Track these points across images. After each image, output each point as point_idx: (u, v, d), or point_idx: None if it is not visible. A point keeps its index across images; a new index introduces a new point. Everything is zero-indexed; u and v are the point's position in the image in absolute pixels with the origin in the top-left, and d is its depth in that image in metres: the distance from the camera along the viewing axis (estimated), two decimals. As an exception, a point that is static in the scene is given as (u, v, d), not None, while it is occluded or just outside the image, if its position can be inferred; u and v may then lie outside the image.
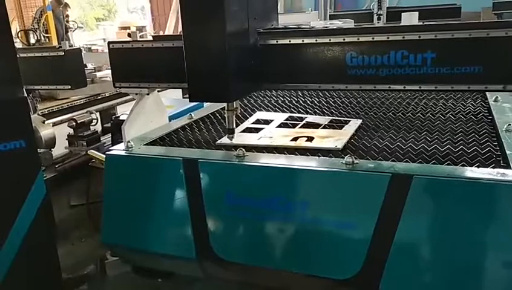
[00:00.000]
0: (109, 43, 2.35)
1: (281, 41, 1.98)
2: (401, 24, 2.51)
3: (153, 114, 2.43)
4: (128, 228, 2.15)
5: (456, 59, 1.74)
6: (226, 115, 2.08)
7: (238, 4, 1.84)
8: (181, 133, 2.45)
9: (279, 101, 2.97)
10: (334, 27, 2.20)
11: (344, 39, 1.86)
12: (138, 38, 2.27)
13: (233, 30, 1.81)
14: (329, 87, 2.11)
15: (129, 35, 2.24)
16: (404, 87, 1.87)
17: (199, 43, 1.82)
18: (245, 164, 1.90)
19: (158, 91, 2.44)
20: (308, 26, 2.17)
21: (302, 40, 1.93)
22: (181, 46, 1.87)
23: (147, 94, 2.32)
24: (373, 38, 1.83)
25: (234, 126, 2.10)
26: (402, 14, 2.79)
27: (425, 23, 2.38)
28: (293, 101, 2.96)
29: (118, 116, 3.80)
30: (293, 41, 1.96)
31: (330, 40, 1.89)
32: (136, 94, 2.33)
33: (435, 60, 1.76)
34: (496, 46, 1.70)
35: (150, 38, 2.35)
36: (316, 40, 1.91)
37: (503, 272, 1.55)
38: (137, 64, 2.25)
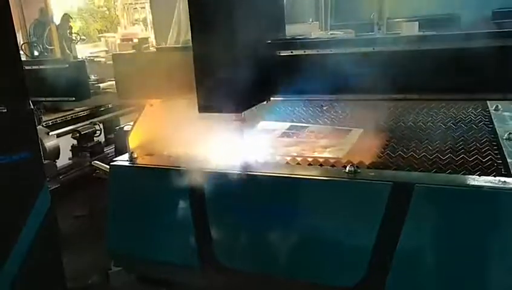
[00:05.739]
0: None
1: (289, 53, 2.00)
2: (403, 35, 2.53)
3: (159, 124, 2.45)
4: (132, 238, 2.17)
5: (455, 69, 1.76)
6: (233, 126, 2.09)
7: (247, 16, 1.84)
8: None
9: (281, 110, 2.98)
10: (347, 37, 2.21)
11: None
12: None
13: (242, 41, 1.82)
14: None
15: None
16: (405, 96, 1.89)
17: (209, 54, 1.81)
18: (248, 173, 1.92)
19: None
20: (317, 37, 2.19)
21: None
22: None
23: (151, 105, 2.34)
24: (373, 49, 1.85)
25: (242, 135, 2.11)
26: (403, 24, 2.81)
27: (425, 32, 2.40)
28: (295, 111, 2.98)
29: (122, 127, 3.82)
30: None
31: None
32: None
33: (435, 70, 1.77)
34: (495, 56, 1.71)
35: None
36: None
37: (504, 278, 1.56)
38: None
